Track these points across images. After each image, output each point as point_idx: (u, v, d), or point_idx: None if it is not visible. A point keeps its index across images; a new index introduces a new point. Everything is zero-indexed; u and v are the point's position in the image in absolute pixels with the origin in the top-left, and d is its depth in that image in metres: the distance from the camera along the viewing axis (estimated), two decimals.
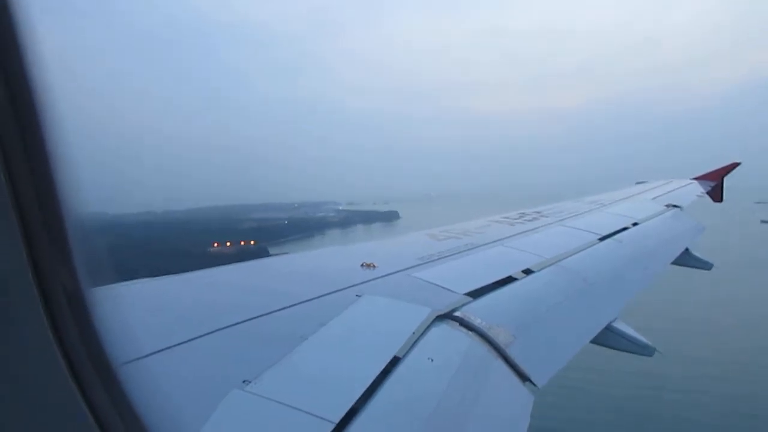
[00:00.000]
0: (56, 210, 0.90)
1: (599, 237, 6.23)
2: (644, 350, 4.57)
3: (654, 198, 9.95)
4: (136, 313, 2.64)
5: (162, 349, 2.20)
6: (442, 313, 3.19)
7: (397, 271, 3.91)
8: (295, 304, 2.97)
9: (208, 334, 2.43)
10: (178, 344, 2.27)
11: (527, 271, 4.46)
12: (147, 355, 2.11)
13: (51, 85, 0.87)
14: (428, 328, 2.96)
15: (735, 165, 12.80)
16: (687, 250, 7.47)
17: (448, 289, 3.62)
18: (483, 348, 3.02)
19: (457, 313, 3.25)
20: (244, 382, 2.05)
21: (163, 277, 3.37)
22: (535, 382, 2.96)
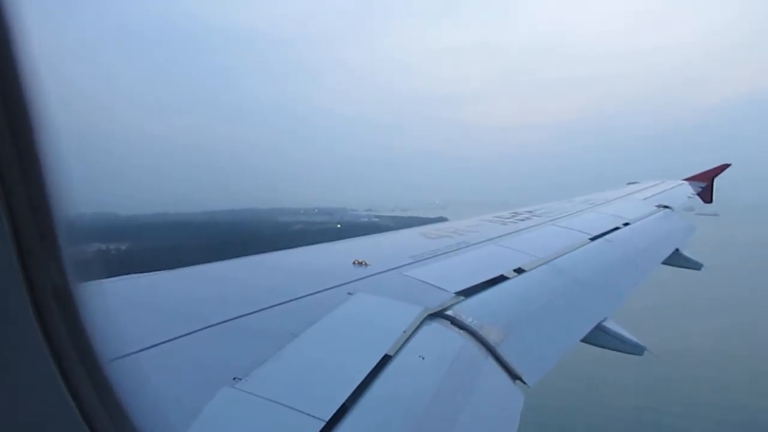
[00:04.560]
0: (46, 207, 0.90)
1: (590, 237, 6.26)
2: (634, 349, 4.60)
3: (645, 198, 10.01)
4: (127, 309, 2.63)
5: (152, 346, 2.19)
6: (433, 311, 3.19)
7: (389, 270, 3.91)
8: (286, 302, 2.96)
9: (199, 330, 2.41)
10: (169, 340, 2.26)
11: (519, 271, 4.47)
12: (137, 351, 2.09)
13: (44, 86, 0.86)
14: (419, 326, 2.96)
15: (725, 166, 12.91)
16: (677, 250, 7.53)
17: (440, 288, 3.63)
18: (474, 347, 3.02)
19: (448, 312, 3.25)
20: (234, 379, 2.04)
21: (154, 273, 3.35)
22: (526, 381, 2.97)
